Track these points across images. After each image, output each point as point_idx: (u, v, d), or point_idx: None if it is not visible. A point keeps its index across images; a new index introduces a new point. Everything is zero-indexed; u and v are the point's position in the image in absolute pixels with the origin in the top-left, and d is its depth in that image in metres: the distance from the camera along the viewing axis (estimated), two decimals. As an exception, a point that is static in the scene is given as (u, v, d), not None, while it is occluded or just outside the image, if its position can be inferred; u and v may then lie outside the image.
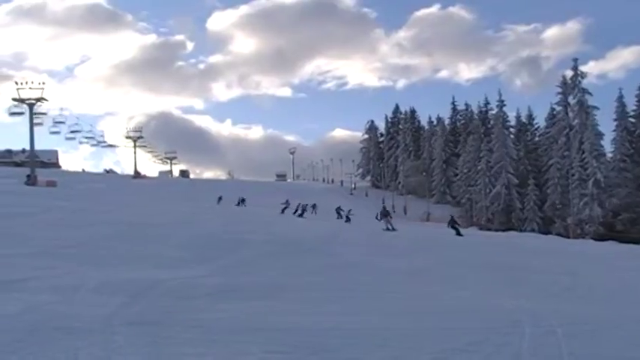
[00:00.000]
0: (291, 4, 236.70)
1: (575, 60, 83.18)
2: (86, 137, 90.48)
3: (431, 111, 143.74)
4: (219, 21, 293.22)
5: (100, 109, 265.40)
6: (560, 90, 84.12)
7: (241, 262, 15.37)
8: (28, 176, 58.49)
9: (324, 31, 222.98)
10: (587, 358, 7.33)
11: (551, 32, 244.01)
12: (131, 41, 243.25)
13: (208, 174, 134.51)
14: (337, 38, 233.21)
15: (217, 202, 55.74)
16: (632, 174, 73.99)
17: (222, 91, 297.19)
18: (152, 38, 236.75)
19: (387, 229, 36.71)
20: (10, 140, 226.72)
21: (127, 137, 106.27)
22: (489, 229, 68.55)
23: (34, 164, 63.69)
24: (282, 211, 47.20)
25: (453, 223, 44.06)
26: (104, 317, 7.83)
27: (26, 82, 62.48)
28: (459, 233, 39.96)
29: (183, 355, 6.21)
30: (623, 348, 8.13)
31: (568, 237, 62.81)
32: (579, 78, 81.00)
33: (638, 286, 17.15)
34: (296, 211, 47.10)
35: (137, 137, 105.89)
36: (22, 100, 61.32)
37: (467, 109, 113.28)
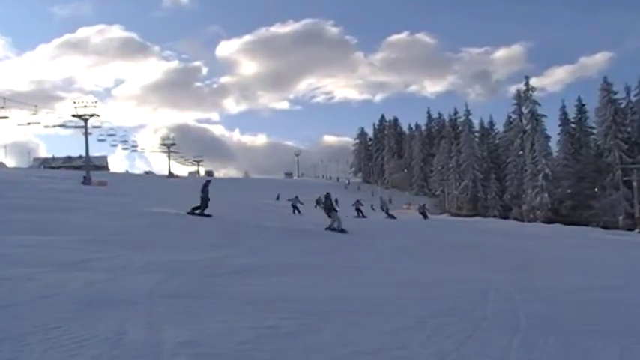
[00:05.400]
0: (286, 33, 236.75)
1: (527, 77, 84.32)
2: (122, 142, 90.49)
3: (404, 119, 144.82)
4: (226, 48, 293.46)
5: (133, 122, 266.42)
6: (514, 101, 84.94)
7: (260, 246, 15.32)
8: (85, 177, 58.51)
9: (314, 55, 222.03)
10: (540, 316, 7.34)
11: (500, 53, 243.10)
12: (158, 66, 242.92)
13: (220, 174, 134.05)
14: (324, 60, 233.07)
15: (276, 199, 52.77)
16: (574, 169, 74.36)
17: (231, 105, 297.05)
18: (175, 64, 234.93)
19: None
20: (67, 148, 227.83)
21: (163, 144, 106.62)
22: (459, 216, 68.55)
23: (89, 167, 63.76)
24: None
25: (422, 210, 44.09)
26: (147, 291, 7.85)
27: (81, 102, 63.01)
28: (425, 217, 40.21)
29: (213, 322, 6.20)
30: (567, 309, 8.15)
31: (523, 221, 62.92)
32: (530, 92, 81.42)
33: (578, 259, 17.16)
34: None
35: (171, 144, 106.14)
36: (79, 116, 61.67)
37: (439, 118, 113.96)
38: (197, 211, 21.89)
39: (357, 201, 43.20)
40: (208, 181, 24.02)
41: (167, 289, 8.17)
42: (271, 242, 16.39)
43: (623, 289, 11.18)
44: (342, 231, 20.12)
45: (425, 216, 42.01)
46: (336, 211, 21.70)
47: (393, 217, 37.75)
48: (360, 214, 39.66)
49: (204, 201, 22.27)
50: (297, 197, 37.12)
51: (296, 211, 34.62)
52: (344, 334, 5.98)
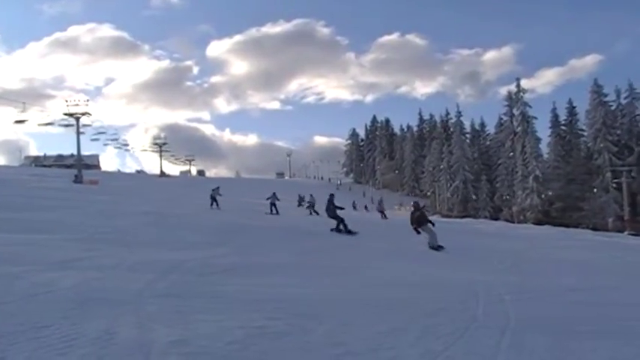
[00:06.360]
0: (277, 33, 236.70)
1: (518, 79, 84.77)
2: (112, 140, 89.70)
3: (395, 119, 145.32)
4: (217, 48, 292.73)
5: (124, 121, 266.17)
6: (505, 103, 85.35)
7: (251, 245, 15.29)
8: (76, 176, 58.39)
9: (305, 55, 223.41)
10: (530, 317, 7.36)
11: (490, 55, 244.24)
12: (149, 66, 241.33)
13: (211, 173, 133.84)
14: (315, 61, 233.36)
15: (298, 204, 47.47)
16: (564, 171, 74.67)
17: (222, 105, 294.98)
18: (166, 63, 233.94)
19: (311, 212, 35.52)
20: (57, 146, 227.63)
21: (154, 144, 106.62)
22: (450, 217, 68.63)
23: (81, 166, 63.61)
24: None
25: (381, 208, 42.59)
26: (138, 290, 7.81)
27: (73, 100, 63.29)
28: (384, 217, 39.09)
29: (202, 321, 6.18)
30: (558, 310, 8.17)
31: (513, 222, 63.11)
32: (521, 94, 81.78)
33: (569, 261, 17.20)
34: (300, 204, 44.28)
35: (162, 144, 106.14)
36: (70, 115, 61.61)
37: (431, 119, 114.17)
38: (341, 227, 20.07)
39: (380, 200, 43.42)
40: (332, 195, 21.75)
41: (157, 288, 8.14)
42: (261, 242, 16.35)
43: (614, 290, 11.23)
44: (439, 247, 17.01)
45: (384, 215, 41.18)
46: (433, 224, 17.81)
47: (317, 213, 35.24)
48: (384, 216, 39.86)
49: (337, 218, 20.35)
50: (218, 188, 35.20)
51: (214, 204, 32.92)
52: (334, 335, 5.97)
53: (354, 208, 57.89)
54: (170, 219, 21.38)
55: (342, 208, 21.11)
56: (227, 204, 35.54)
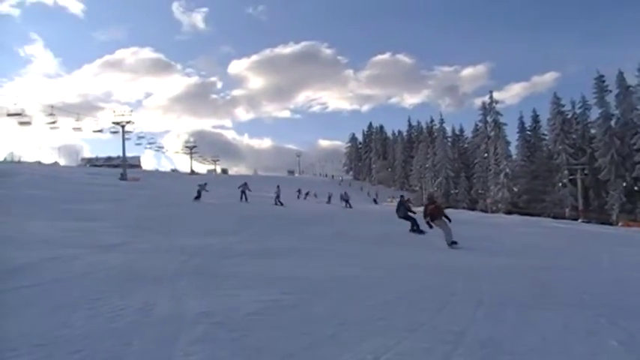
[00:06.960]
0: (287, 53, 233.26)
1: (491, 91, 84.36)
2: (150, 144, 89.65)
3: (388, 126, 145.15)
4: (237, 66, 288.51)
5: (160, 128, 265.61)
6: (480, 112, 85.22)
7: (265, 232, 15.31)
8: (122, 174, 58.73)
9: (311, 72, 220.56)
10: (501, 293, 7.36)
11: (467, 71, 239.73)
12: (181, 82, 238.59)
13: (233, 171, 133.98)
14: (320, 76, 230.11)
15: (297, 196, 45.38)
16: (529, 169, 74.49)
17: (242, 113, 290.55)
18: (195, 79, 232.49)
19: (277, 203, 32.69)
20: (106, 149, 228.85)
21: (186, 146, 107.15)
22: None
23: (125, 166, 63.94)
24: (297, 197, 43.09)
25: (346, 197, 40.49)
26: (172, 270, 7.85)
27: (120, 111, 64.45)
28: (349, 206, 38.23)
29: (226, 296, 6.21)
30: (523, 287, 8.16)
31: (487, 212, 63.03)
32: (493, 104, 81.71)
33: (534, 244, 17.15)
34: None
35: (192, 147, 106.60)
36: (117, 123, 62.92)
37: (418, 125, 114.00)
38: (415, 228, 17.61)
39: (345, 192, 42.58)
40: (402, 197, 19.75)
41: (188, 268, 8.17)
42: (272, 230, 16.37)
43: (569, 269, 11.19)
44: (452, 243, 14.09)
45: (348, 204, 39.22)
46: (449, 219, 14.49)
47: (282, 204, 33.52)
48: (348, 205, 39.57)
49: (409, 219, 18.06)
50: (205, 184, 31.73)
51: (198, 197, 29.79)
52: (335, 308, 5.98)
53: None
54: (197, 211, 21.42)
55: (413, 212, 18.52)
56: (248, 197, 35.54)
